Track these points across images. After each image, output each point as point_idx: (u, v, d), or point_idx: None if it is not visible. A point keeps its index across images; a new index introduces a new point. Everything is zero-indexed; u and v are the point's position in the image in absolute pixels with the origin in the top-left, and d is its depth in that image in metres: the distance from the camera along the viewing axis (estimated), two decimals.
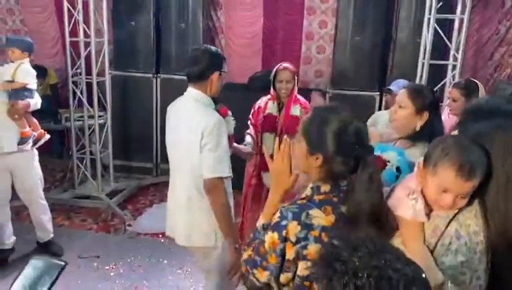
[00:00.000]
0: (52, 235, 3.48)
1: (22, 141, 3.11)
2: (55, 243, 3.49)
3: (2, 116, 3.04)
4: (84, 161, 4.51)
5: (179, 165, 2.14)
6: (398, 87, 2.95)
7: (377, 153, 1.85)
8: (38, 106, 3.23)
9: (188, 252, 3.12)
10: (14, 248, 3.37)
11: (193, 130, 1.99)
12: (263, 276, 1.29)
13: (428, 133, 1.82)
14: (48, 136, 3.32)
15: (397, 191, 1.27)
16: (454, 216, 1.13)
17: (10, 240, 3.34)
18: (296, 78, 2.94)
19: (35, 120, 3.27)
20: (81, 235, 3.82)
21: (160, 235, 3.77)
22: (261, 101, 3.08)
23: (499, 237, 1.07)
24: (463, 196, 1.13)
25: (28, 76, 3.10)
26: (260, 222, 1.38)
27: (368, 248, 0.74)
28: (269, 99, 3.02)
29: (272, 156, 3.04)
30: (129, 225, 3.99)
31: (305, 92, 4.93)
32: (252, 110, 3.11)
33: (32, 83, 3.15)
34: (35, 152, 3.26)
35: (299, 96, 3.00)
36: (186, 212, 2.13)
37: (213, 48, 2.12)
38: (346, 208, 1.25)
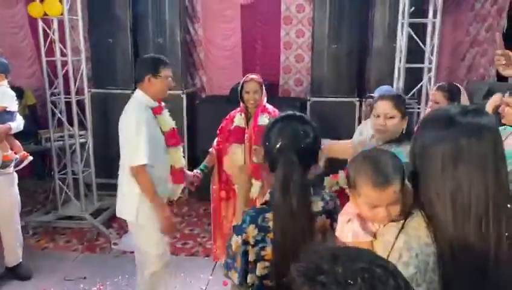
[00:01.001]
0: (21, 259, 3.40)
1: (4, 164, 3.06)
2: (23, 266, 3.41)
3: None
4: (67, 181, 4.44)
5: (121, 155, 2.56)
6: None
7: None
8: (21, 128, 3.21)
9: (175, 268, 3.11)
10: None
11: (122, 123, 2.48)
12: (235, 277, 1.37)
13: (409, 133, 2.01)
14: (30, 158, 3.28)
15: (339, 219, 1.32)
16: (401, 229, 1.13)
17: None
18: (263, 88, 2.95)
19: (17, 142, 3.23)
20: (66, 256, 3.74)
21: None
22: (229, 116, 3.07)
23: (448, 249, 1.06)
24: (392, 203, 1.16)
25: (5, 99, 3.06)
26: (233, 225, 1.48)
27: (346, 254, 0.74)
28: (238, 112, 3.02)
29: (241, 167, 3.07)
30: (115, 244, 3.93)
31: (287, 100, 4.98)
32: (220, 126, 3.10)
33: (12, 105, 3.11)
34: (15, 175, 3.21)
35: (268, 106, 2.99)
36: (120, 193, 2.60)
37: (149, 56, 2.61)
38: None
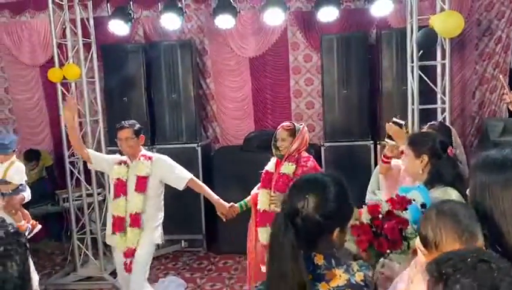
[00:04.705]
0: None
1: None
2: None
3: None
4: (85, 241, 4.41)
5: None
6: None
7: (401, 194, 1.88)
8: (29, 198, 3.23)
9: None
10: None
11: None
12: None
13: (435, 175, 1.95)
14: (39, 226, 3.27)
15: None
16: None
17: None
18: (293, 135, 2.92)
19: (26, 212, 3.25)
20: None
21: None
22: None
23: None
24: None
25: (19, 175, 3.12)
26: None
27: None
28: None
29: (264, 211, 3.04)
30: None
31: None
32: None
33: (23, 179, 3.17)
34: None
35: (304, 154, 2.96)
36: None
37: None
38: None
